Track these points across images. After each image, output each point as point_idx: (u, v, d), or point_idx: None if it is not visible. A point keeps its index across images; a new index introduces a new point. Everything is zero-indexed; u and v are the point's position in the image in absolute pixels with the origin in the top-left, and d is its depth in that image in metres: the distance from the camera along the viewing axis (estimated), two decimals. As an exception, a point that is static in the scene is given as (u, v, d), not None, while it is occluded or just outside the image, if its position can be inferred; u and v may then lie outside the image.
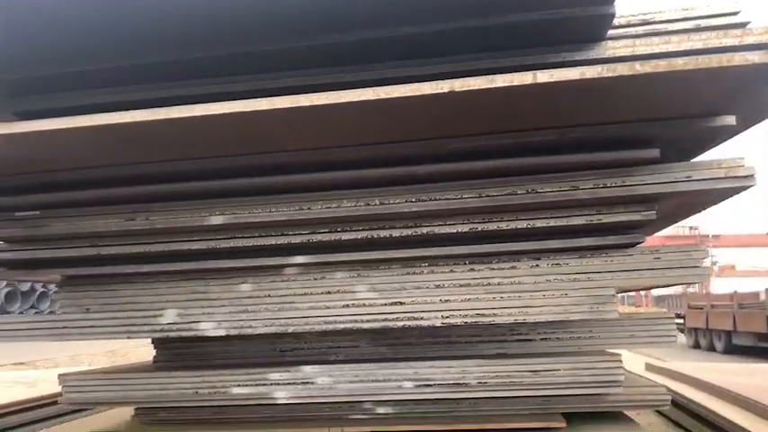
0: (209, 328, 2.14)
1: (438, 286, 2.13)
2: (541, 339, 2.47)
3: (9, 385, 8.27)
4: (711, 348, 15.96)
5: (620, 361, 2.16)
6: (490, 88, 1.33)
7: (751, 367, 8.34)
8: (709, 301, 16.90)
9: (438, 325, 2.06)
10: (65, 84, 1.74)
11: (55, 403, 6.91)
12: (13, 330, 2.22)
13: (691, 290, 26.24)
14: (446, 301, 2.07)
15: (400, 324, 2.08)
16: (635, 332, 2.42)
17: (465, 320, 2.05)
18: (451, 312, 2.06)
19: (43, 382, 8.28)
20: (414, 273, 2.14)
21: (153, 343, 2.72)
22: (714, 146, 1.99)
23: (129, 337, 2.15)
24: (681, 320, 18.38)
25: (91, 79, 1.71)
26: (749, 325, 14.09)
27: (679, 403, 7.20)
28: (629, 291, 2.70)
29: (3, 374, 9.95)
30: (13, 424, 6.87)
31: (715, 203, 2.04)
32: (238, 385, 2.28)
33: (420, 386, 2.21)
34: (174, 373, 2.33)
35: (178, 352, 2.68)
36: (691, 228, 37.53)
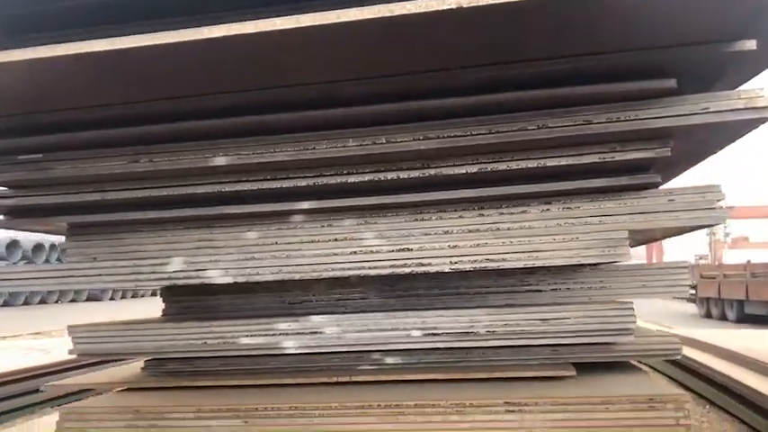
0: (215, 276, 2.13)
1: (446, 232, 2.10)
2: (551, 290, 2.44)
3: (26, 352, 8.45)
4: (723, 318, 15.91)
5: (632, 309, 2.13)
6: (499, 3, 1.27)
7: (761, 333, 8.34)
8: (722, 270, 16.82)
9: (446, 270, 2.04)
10: (58, 21, 1.69)
11: (68, 369, 7.05)
12: (21, 279, 2.22)
13: (702, 261, 26.11)
14: (454, 246, 2.04)
15: (408, 270, 2.06)
16: (647, 282, 2.39)
17: (474, 266, 2.02)
18: (460, 258, 2.04)
19: (58, 350, 8.46)
20: (422, 219, 2.11)
21: (161, 297, 2.72)
22: (735, 85, 1.91)
23: (136, 286, 2.15)
24: (693, 291, 18.33)
25: (83, 17, 1.65)
26: (762, 294, 14.06)
27: (688, 366, 7.20)
28: (643, 239, 2.65)
29: (21, 342, 10.17)
30: (30, 389, 7.02)
31: (732, 141, 1.98)
32: (247, 335, 2.27)
33: (428, 335, 2.20)
34: (182, 324, 2.33)
35: (186, 305, 2.68)
36: (704, 199, 37.04)
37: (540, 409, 1.98)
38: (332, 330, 2.24)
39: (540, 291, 2.45)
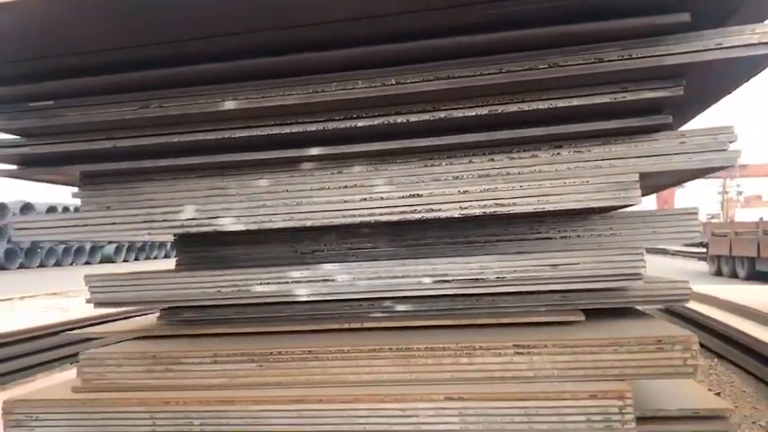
0: (227, 224, 2.15)
1: (456, 177, 2.10)
2: (561, 237, 2.45)
3: (44, 310, 8.67)
4: (734, 275, 15.95)
5: (642, 254, 2.14)
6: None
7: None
8: (734, 228, 16.80)
9: (456, 216, 2.04)
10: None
11: (87, 326, 7.24)
12: (37, 228, 2.25)
13: (714, 221, 26.02)
14: (464, 192, 2.04)
15: (418, 216, 2.06)
16: (657, 228, 2.39)
17: (484, 210, 2.02)
18: (470, 203, 2.04)
19: (75, 309, 8.68)
20: (432, 165, 2.11)
21: (175, 248, 2.76)
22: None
23: (149, 234, 2.17)
24: (704, 249, 18.34)
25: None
26: (774, 251, 14.09)
27: (696, 321, 7.30)
28: (655, 186, 2.64)
29: (39, 302, 10.42)
30: (49, 345, 7.21)
31: (746, 79, 1.95)
32: (260, 283, 2.31)
33: (438, 281, 2.22)
34: (196, 273, 2.37)
35: (199, 255, 2.72)
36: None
37: (549, 351, 2.01)
38: (343, 278, 2.27)
39: (551, 238, 2.46)
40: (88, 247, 25.52)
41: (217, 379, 2.17)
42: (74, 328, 7.40)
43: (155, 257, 32.39)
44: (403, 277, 2.24)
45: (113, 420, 2.12)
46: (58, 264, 24.42)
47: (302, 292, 2.29)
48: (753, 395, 5.34)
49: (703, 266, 18.84)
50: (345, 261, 2.41)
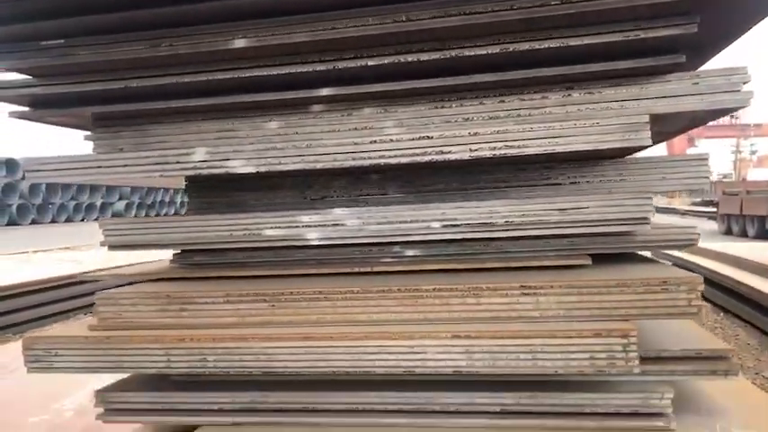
0: (238, 166, 2.16)
1: (467, 119, 2.09)
2: (571, 183, 2.45)
3: (58, 263, 8.84)
4: (744, 234, 15.94)
5: (650, 198, 2.15)
6: None
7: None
8: (745, 187, 16.71)
9: (466, 158, 2.04)
10: None
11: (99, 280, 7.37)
12: (49, 171, 2.27)
13: (726, 180, 25.83)
14: (475, 133, 2.03)
15: (427, 158, 2.07)
16: (667, 174, 2.38)
17: (493, 153, 2.02)
18: (480, 145, 2.03)
19: (88, 261, 8.83)
20: (442, 106, 2.10)
21: (186, 192, 2.79)
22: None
23: (162, 175, 2.19)
24: (714, 208, 18.28)
25: None
26: (784, 210, 14.04)
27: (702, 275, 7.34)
28: (666, 132, 2.61)
29: (52, 255, 10.62)
30: (67, 296, 7.37)
31: (763, 17, 1.91)
32: (271, 227, 2.33)
33: (447, 226, 2.23)
34: (209, 217, 2.40)
35: (210, 201, 2.74)
36: (731, 116, 36.31)
37: (555, 292, 2.04)
38: (353, 222, 2.28)
39: (560, 185, 2.46)
40: (99, 203, 25.73)
41: (230, 318, 2.22)
42: (90, 281, 7.58)
43: (165, 215, 32.72)
44: (412, 222, 2.26)
45: (130, 356, 2.19)
46: (69, 220, 24.67)
47: (312, 236, 2.32)
48: (757, 347, 5.41)
49: (713, 226, 18.80)
50: (356, 206, 2.43)
